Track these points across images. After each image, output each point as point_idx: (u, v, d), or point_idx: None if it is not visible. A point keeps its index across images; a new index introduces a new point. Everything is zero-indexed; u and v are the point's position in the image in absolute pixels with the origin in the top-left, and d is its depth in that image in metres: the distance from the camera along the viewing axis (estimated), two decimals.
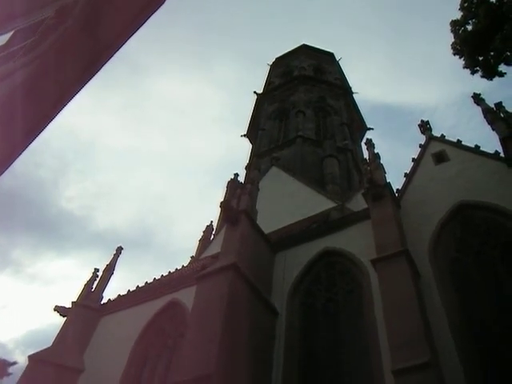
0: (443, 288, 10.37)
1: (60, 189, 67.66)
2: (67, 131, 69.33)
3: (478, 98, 14.76)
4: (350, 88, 33.37)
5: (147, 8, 4.80)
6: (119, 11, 4.63)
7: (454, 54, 10.80)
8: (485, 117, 13.93)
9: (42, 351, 14.18)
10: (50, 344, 14.56)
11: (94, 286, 16.86)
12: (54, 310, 15.69)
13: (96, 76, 4.57)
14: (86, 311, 15.58)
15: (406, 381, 8.27)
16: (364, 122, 32.70)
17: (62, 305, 15.87)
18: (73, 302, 15.87)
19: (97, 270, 17.49)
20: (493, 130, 13.26)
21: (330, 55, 36.70)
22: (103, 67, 4.63)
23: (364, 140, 24.30)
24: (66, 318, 15.45)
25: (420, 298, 9.91)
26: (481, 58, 10.43)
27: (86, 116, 75.30)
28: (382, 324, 9.71)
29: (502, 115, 13.43)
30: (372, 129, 32.45)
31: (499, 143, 12.66)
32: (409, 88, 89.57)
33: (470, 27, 10.33)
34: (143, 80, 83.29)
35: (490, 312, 9.58)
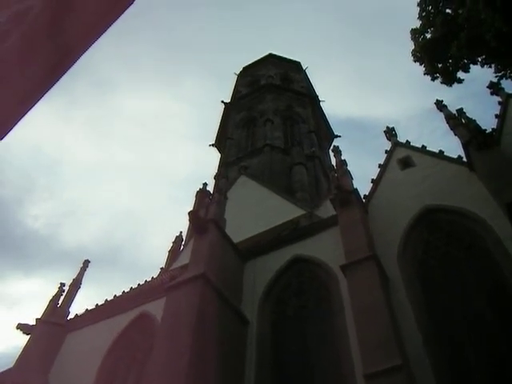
0: (412, 290, 10.48)
1: (25, 207, 65.68)
2: (31, 147, 67.59)
3: (440, 105, 15.16)
4: (317, 96, 33.74)
5: (110, 13, 4.66)
6: (80, 18, 4.47)
7: (415, 61, 11.09)
8: (447, 122, 14.33)
9: (1, 373, 13.39)
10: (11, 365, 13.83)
11: (60, 302, 16.30)
12: (17, 328, 14.96)
13: (58, 89, 4.41)
14: (51, 327, 14.93)
15: None
16: (331, 130, 33.03)
17: (26, 322, 15.28)
18: (37, 319, 15.17)
19: (63, 285, 16.91)
20: (455, 135, 13.62)
21: (297, 64, 37.02)
22: (64, 78, 4.46)
23: (331, 148, 24.62)
24: (29, 336, 14.85)
25: (389, 301, 9.99)
26: (440, 65, 10.74)
27: (50, 131, 73.51)
28: (353, 329, 9.74)
29: (463, 121, 13.85)
30: (339, 136, 32.77)
31: (461, 148, 13.02)
32: (374, 101, 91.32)
33: (428, 36, 10.63)
34: (109, 96, 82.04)
35: (456, 312, 9.75)
